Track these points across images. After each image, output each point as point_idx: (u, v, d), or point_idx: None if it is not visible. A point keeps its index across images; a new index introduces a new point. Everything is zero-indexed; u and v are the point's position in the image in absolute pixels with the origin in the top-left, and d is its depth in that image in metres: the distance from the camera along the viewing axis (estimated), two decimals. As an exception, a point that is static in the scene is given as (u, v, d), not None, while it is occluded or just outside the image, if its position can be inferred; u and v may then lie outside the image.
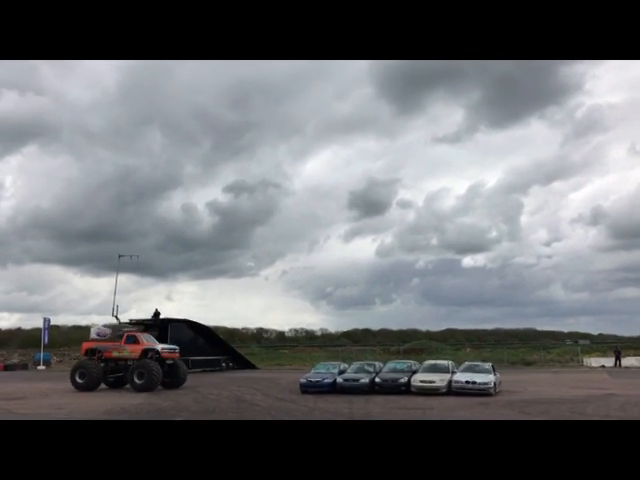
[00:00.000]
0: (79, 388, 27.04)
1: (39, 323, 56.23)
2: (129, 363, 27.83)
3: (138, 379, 26.40)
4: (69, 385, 28.24)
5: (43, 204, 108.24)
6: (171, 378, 28.08)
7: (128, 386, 27.38)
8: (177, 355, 29.15)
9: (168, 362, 28.16)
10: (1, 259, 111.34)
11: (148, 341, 28.83)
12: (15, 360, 55.27)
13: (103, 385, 28.44)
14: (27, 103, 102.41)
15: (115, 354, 28.24)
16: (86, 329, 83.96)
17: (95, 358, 28.36)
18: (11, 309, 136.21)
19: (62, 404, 21.09)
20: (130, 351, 27.91)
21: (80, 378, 27.36)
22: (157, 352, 27.71)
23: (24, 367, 51.16)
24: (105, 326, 34.82)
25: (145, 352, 27.75)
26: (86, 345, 30.08)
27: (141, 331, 40.97)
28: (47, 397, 24.26)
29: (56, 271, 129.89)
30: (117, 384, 28.61)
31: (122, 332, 30.46)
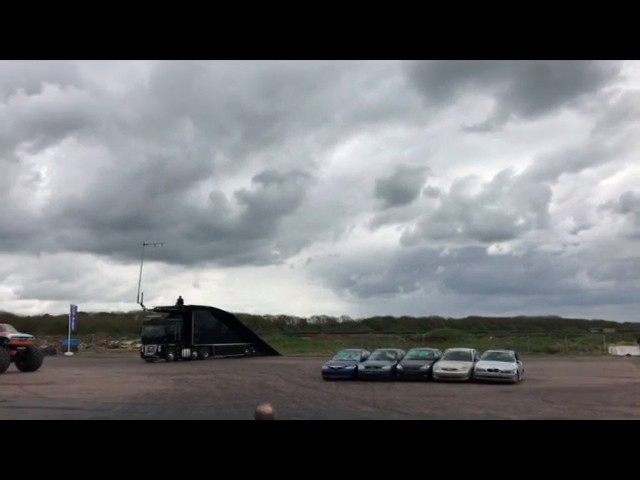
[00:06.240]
0: None
1: (68, 310, 57.50)
2: None
3: None
4: (97, 370, 29.07)
5: (77, 194, 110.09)
6: (25, 362, 31.55)
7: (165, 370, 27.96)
8: (30, 342, 32.90)
9: (20, 348, 31.54)
10: (35, 248, 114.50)
11: (4, 330, 31.69)
12: (44, 346, 56.54)
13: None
14: (67, 97, 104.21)
15: None
16: (112, 316, 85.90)
17: None
18: (42, 297, 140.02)
19: (90, 389, 21.64)
20: None
21: None
22: (8, 340, 30.85)
23: (52, 353, 52.37)
24: None
25: None
26: None
27: (167, 317, 42.34)
28: (75, 382, 24.90)
29: (87, 259, 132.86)
30: None
31: None
